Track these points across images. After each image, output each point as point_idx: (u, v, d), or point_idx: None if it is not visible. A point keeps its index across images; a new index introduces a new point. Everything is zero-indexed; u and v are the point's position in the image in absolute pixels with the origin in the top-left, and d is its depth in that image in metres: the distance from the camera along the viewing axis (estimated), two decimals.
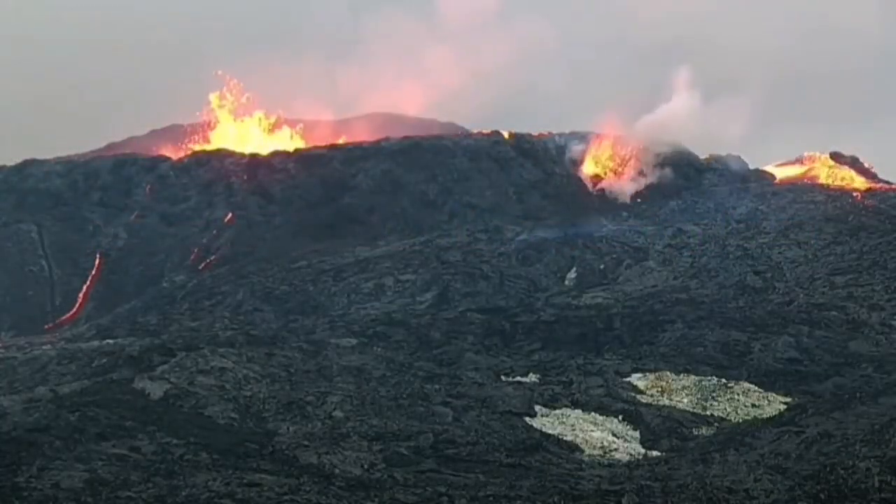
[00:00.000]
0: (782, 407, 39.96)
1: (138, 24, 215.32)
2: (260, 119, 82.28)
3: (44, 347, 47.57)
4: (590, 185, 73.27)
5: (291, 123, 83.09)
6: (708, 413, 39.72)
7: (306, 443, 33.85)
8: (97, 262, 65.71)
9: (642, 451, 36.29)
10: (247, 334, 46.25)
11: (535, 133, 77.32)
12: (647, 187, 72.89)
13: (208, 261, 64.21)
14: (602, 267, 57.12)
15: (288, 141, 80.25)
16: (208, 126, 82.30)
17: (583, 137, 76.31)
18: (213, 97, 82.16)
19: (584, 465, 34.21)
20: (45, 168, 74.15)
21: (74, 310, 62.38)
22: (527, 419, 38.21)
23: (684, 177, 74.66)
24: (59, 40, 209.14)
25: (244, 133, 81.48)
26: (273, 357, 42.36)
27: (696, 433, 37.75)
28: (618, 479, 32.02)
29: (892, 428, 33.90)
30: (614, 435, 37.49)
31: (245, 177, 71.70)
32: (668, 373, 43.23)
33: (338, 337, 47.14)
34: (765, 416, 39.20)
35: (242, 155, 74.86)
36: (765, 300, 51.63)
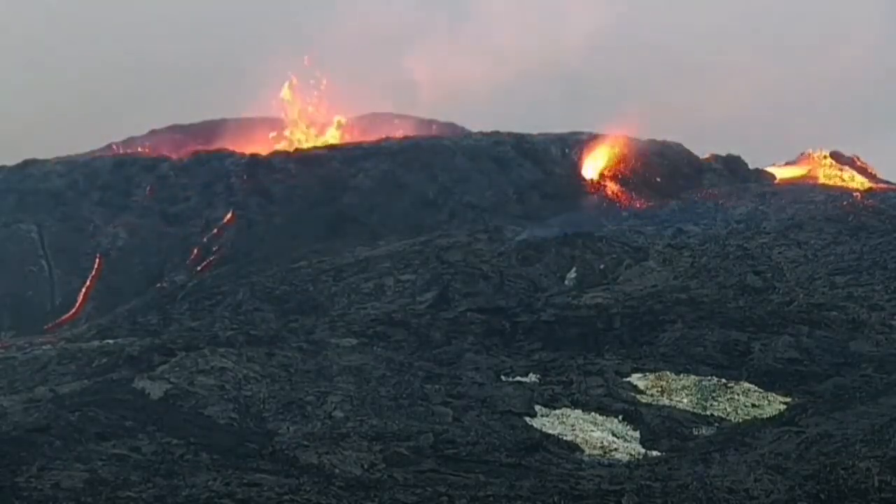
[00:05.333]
0: (782, 407, 39.95)
1: (139, 23, 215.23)
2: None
3: (44, 347, 47.58)
4: (589, 185, 73.31)
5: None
6: (708, 413, 39.71)
7: (306, 443, 33.86)
8: (97, 262, 65.71)
9: (642, 451, 36.29)
10: (247, 334, 46.25)
11: (535, 133, 77.39)
12: (647, 187, 72.89)
13: (208, 261, 64.22)
14: (602, 267, 57.07)
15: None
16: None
17: (583, 137, 76.35)
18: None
19: (584, 465, 34.22)
20: (45, 168, 74.18)
21: (74, 310, 62.37)
22: (527, 419, 38.21)
23: (684, 177, 74.67)
24: (59, 40, 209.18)
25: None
26: (273, 357, 42.37)
27: (696, 433, 37.74)
28: (618, 479, 32.02)
29: (892, 428, 33.91)
30: (614, 435, 37.49)
31: (245, 177, 71.72)
32: (668, 373, 43.21)
33: (338, 337, 47.13)
34: (765, 416, 39.19)
35: (242, 155, 74.90)
36: (765, 300, 51.58)
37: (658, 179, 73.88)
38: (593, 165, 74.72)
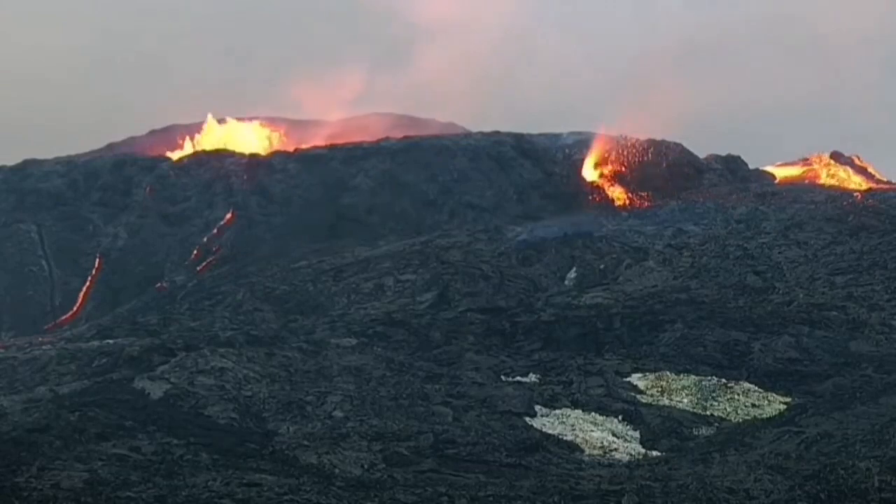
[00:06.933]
0: (782, 407, 39.97)
1: (139, 24, 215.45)
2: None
3: (44, 347, 47.55)
4: (589, 185, 73.30)
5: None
6: (708, 413, 39.72)
7: (306, 443, 33.88)
8: (97, 262, 65.71)
9: (642, 451, 36.30)
10: (247, 334, 46.26)
11: (535, 133, 77.37)
12: (648, 187, 72.87)
13: (208, 261, 64.21)
14: (602, 267, 57.07)
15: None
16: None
17: (583, 137, 76.33)
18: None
19: (584, 465, 34.23)
20: (45, 168, 74.13)
21: (74, 310, 62.37)
22: (527, 419, 38.22)
23: (684, 177, 74.64)
24: (59, 40, 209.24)
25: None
26: (273, 357, 42.37)
27: (696, 433, 37.75)
28: (618, 479, 32.03)
29: (892, 428, 33.93)
30: (614, 435, 37.50)
31: (245, 177, 71.68)
32: (668, 373, 43.23)
33: (338, 337, 47.14)
34: (765, 416, 39.21)
35: (242, 155, 74.84)
36: (765, 300, 51.58)
37: (658, 179, 73.83)
38: (593, 165, 74.68)
